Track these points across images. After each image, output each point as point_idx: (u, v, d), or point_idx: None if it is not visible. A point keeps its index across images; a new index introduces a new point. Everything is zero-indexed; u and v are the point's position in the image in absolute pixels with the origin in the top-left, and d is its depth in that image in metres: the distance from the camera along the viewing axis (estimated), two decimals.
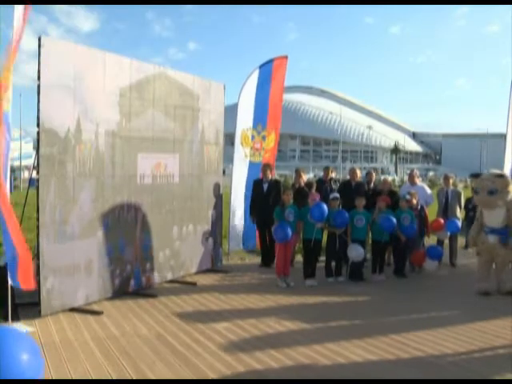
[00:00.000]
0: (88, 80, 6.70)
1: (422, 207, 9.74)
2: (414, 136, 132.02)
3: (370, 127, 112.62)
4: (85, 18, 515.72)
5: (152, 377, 4.64)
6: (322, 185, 10.26)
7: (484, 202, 8.05)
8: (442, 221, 9.79)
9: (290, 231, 8.23)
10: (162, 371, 4.77)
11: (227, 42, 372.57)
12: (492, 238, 7.97)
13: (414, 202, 9.52)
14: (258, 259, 10.35)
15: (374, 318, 6.73)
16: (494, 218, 8.00)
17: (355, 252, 8.65)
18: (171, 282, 8.41)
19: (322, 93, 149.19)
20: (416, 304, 7.55)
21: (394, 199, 9.41)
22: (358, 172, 10.58)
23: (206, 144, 9.18)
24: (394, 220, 8.73)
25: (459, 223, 9.90)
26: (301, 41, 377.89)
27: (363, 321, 6.66)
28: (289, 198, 8.55)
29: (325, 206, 8.37)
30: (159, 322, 6.33)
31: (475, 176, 8.35)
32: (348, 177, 10.85)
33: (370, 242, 9.34)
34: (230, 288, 8.26)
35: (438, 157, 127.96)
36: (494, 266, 8.24)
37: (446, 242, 10.52)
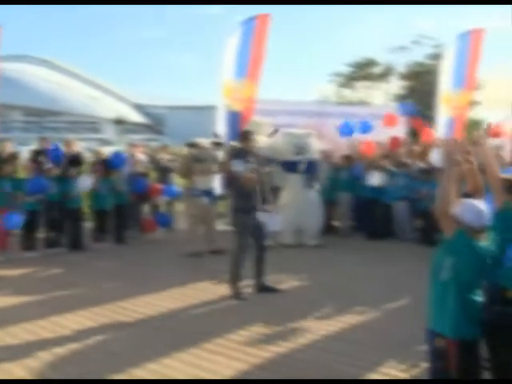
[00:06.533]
0: None
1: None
2: (138, 107, 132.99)
3: (94, 98, 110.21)
4: None
5: None
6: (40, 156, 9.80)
7: (208, 170, 8.68)
8: (160, 186, 10.17)
9: None
10: None
11: None
12: (205, 200, 8.69)
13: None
14: None
15: (94, 287, 6.82)
16: (206, 181, 8.72)
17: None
18: None
19: (44, 62, 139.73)
20: (135, 268, 7.88)
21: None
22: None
23: None
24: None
25: (176, 189, 10.45)
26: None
27: (83, 290, 6.69)
28: None
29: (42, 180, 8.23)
30: None
31: (191, 145, 8.91)
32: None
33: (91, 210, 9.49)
34: None
35: (161, 128, 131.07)
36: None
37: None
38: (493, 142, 9.68)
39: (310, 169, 9.38)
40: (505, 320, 3.29)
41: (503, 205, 3.66)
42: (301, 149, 9.24)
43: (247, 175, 6.28)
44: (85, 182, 8.96)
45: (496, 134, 10.33)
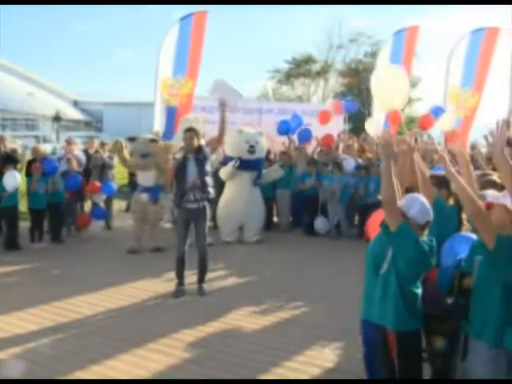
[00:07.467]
0: None
1: None
2: (76, 104, 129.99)
3: (31, 94, 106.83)
4: None
5: None
6: None
7: (137, 164, 8.63)
8: (98, 184, 10.01)
9: None
10: None
11: None
12: (144, 197, 8.63)
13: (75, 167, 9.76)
14: None
15: (32, 287, 6.64)
16: (146, 178, 8.68)
17: None
18: None
19: None
20: (73, 267, 7.67)
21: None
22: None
23: None
24: None
25: (114, 186, 10.36)
26: None
27: (20, 291, 6.51)
28: None
29: None
30: None
31: (131, 139, 8.86)
32: None
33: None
34: None
35: (99, 124, 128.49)
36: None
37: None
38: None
39: (258, 167, 9.48)
40: (454, 312, 3.34)
41: (434, 199, 3.83)
42: (253, 147, 9.27)
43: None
44: (9, 181, 8.51)
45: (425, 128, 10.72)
